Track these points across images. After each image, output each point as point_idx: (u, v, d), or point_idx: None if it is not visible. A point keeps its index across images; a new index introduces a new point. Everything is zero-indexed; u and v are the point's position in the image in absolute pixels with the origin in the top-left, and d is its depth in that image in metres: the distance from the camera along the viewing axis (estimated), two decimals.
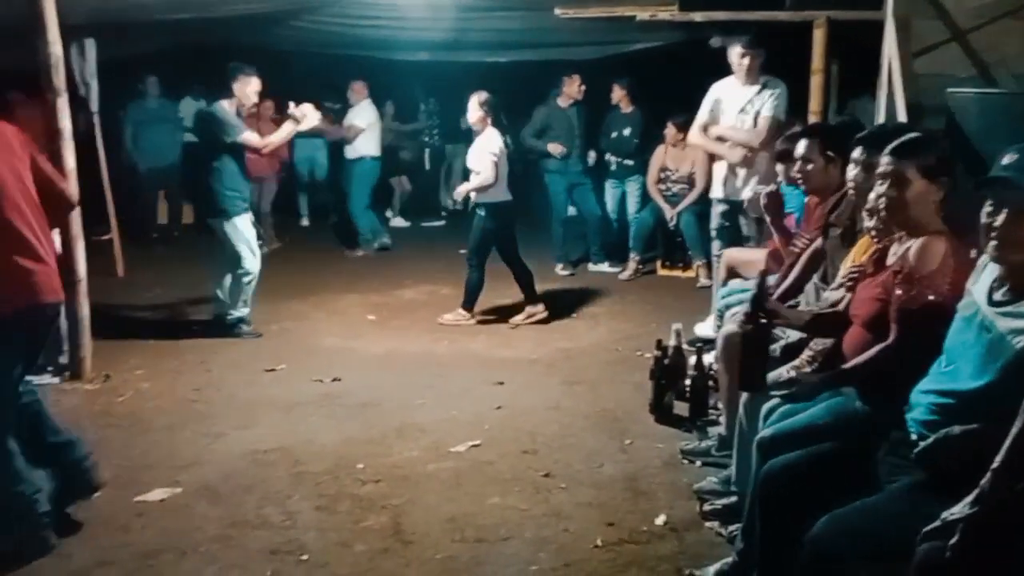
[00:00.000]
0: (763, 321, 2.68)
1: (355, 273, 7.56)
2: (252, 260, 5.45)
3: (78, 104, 5.56)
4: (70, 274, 4.53)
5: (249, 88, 5.43)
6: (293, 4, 6.58)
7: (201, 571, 2.89)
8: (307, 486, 3.51)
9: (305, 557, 2.97)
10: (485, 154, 5.70)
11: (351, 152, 8.29)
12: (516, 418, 4.24)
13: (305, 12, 6.84)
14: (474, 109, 5.76)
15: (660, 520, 3.19)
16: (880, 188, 2.47)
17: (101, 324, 5.08)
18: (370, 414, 4.31)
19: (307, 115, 5.62)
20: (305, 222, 9.82)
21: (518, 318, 6.00)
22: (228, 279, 5.53)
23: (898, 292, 2.38)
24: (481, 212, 5.90)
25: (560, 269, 7.51)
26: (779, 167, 4.26)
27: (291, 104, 5.68)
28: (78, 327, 4.66)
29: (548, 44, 8.23)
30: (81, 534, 3.12)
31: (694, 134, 5.61)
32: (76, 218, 4.54)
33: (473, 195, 5.89)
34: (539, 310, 6.03)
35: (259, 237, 7.13)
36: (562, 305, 6.44)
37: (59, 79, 4.40)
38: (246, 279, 5.46)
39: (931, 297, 2.30)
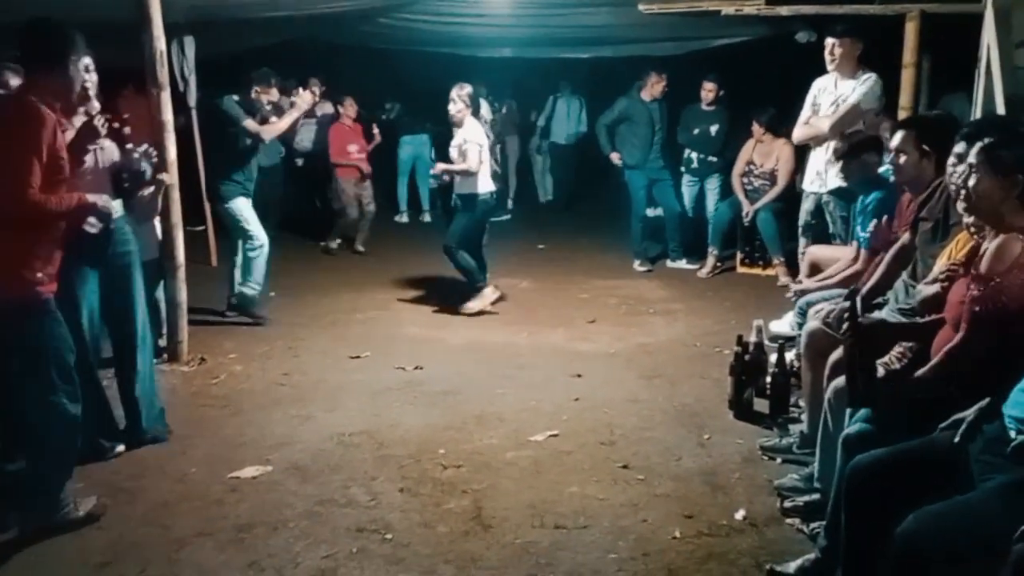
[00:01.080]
0: (858, 337, 2.59)
1: (437, 266, 7.68)
2: (259, 233, 5.72)
3: (177, 100, 5.81)
4: (170, 260, 4.77)
5: (266, 97, 5.86)
6: (382, 1, 6.73)
7: (292, 546, 3.01)
8: (391, 468, 3.62)
9: (389, 536, 3.06)
10: (471, 144, 5.90)
11: None
12: (594, 410, 4.27)
13: (393, 9, 6.99)
14: (457, 101, 5.95)
15: (739, 515, 3.19)
16: (969, 182, 2.43)
17: (196, 310, 5.32)
18: (451, 402, 4.41)
19: (304, 98, 6.02)
20: (404, 219, 9.92)
21: (470, 306, 6.08)
22: (239, 258, 5.83)
23: (971, 291, 2.33)
24: (476, 201, 6.06)
25: (638, 265, 7.50)
26: (838, 168, 4.23)
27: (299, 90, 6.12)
28: (176, 312, 4.87)
29: (630, 40, 8.21)
30: (180, 506, 3.29)
31: (797, 130, 5.46)
32: (176, 208, 4.76)
33: (439, 171, 6.19)
34: (488, 297, 6.17)
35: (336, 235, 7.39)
36: (640, 301, 6.44)
37: (163, 74, 4.61)
38: (253, 253, 5.71)
39: (1003, 298, 2.25)
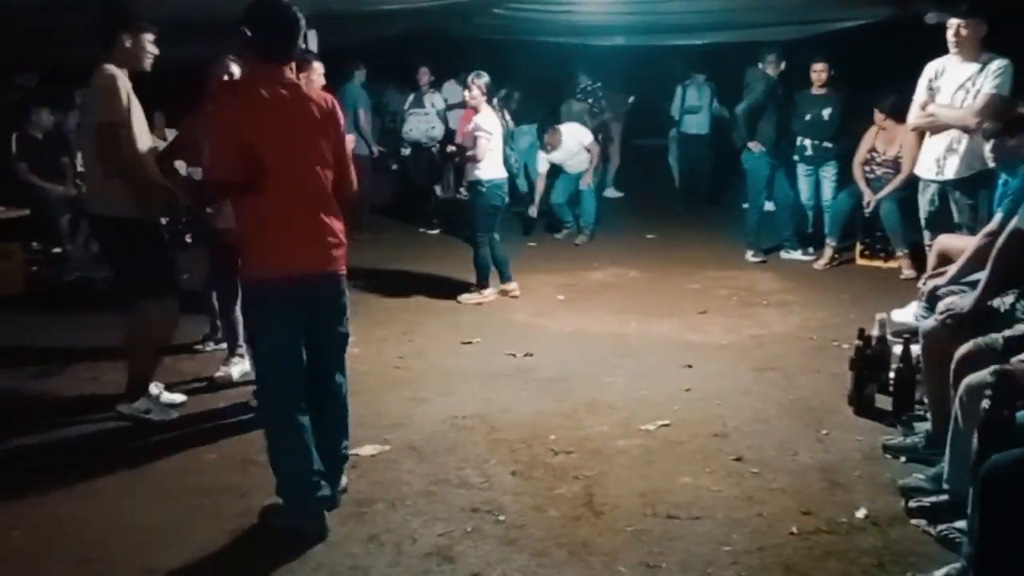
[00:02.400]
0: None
1: (546, 255, 7.73)
2: None
3: None
4: None
5: (316, 75, 5.69)
6: None
7: (409, 522, 3.10)
8: (503, 452, 3.68)
9: (503, 518, 3.12)
10: (481, 132, 6.01)
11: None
12: (706, 401, 4.22)
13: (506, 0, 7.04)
14: (473, 88, 6.05)
15: (860, 513, 3.10)
16: None
17: None
18: (561, 388, 4.44)
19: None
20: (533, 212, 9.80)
21: (467, 296, 6.20)
22: None
23: None
24: (481, 188, 6.12)
25: (751, 256, 7.33)
26: (988, 148, 3.98)
27: None
28: None
29: (747, 25, 8.01)
30: None
31: (913, 115, 5.24)
32: None
33: (472, 174, 6.19)
34: (487, 296, 6.22)
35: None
36: (753, 292, 6.31)
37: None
38: None
39: None
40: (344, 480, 3.30)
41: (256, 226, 2.98)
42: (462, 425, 3.98)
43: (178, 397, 4.27)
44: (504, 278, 6.33)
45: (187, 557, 2.91)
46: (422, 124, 9.12)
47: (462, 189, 10.29)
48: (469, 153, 6.12)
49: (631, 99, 10.59)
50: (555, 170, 8.25)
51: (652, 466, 3.53)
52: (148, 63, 3.91)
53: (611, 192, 10.60)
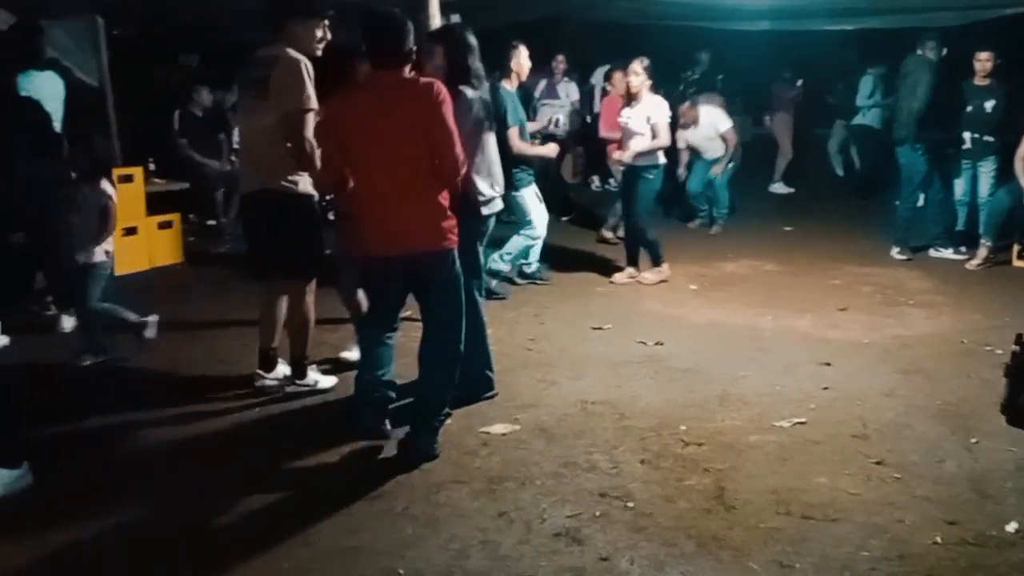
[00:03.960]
0: None
1: (678, 244, 7.61)
2: (540, 226, 5.87)
3: None
4: None
5: (523, 58, 5.53)
6: None
7: (538, 501, 3.16)
8: (632, 439, 3.68)
9: (631, 504, 3.13)
10: (660, 117, 6.01)
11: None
12: (845, 401, 4.08)
13: None
14: (639, 74, 6.01)
15: (1011, 527, 2.94)
16: None
17: None
18: (692, 380, 4.39)
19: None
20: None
21: (621, 276, 6.31)
22: (517, 239, 5.94)
23: None
24: (648, 175, 6.08)
25: (896, 253, 7.00)
26: None
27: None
28: None
29: (904, 10, 7.60)
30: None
31: None
32: None
33: (629, 158, 6.09)
34: (664, 272, 6.30)
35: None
36: (898, 291, 6.04)
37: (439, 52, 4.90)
38: (529, 242, 5.91)
39: None
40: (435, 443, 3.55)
41: (356, 209, 3.44)
42: (591, 410, 4.00)
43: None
44: (635, 264, 6.36)
45: (327, 517, 3.06)
46: (557, 114, 9.04)
47: (595, 178, 10.26)
48: (658, 144, 6.06)
49: (799, 83, 10.30)
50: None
51: (786, 464, 3.45)
52: (318, 49, 4.00)
53: (779, 187, 10.27)
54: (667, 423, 3.84)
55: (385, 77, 3.33)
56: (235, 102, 8.60)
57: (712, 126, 7.84)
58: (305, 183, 3.94)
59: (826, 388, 4.24)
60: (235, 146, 8.25)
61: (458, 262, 3.48)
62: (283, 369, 4.27)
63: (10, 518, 3.08)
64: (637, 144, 6.04)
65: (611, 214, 7.66)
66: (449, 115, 3.31)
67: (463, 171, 3.43)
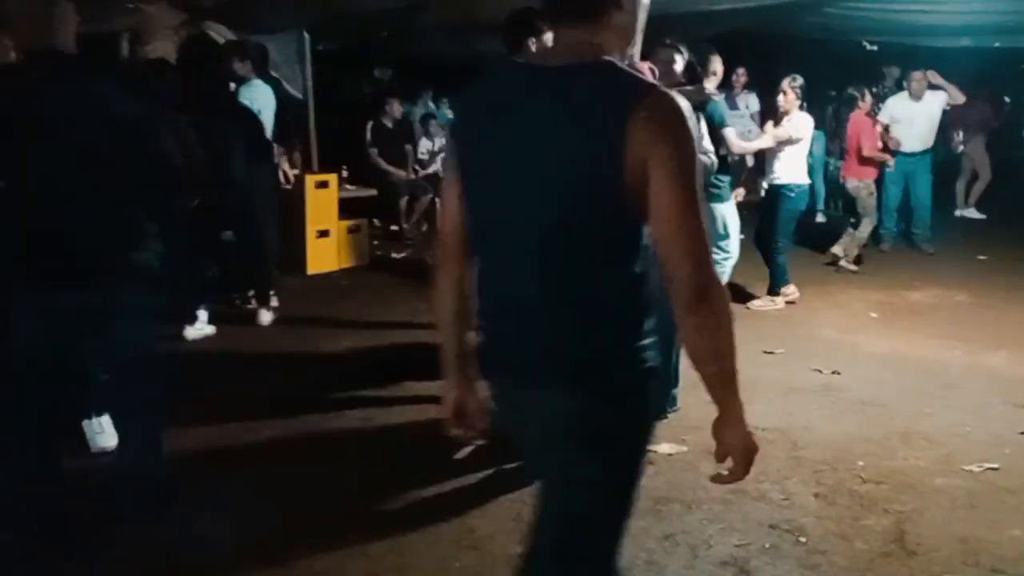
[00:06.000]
0: None
1: (861, 269, 7.30)
2: (735, 244, 5.67)
3: None
4: None
5: (718, 63, 5.39)
6: None
7: (705, 527, 3.14)
8: (805, 471, 3.59)
9: (803, 540, 3.05)
10: (797, 134, 5.89)
11: None
12: None
13: None
14: (789, 93, 5.90)
15: None
16: None
17: None
18: (871, 413, 4.21)
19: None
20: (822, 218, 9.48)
21: (759, 304, 6.12)
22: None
23: None
24: (790, 193, 5.96)
25: None
26: None
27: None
28: None
29: None
30: None
31: None
32: None
33: (775, 178, 5.98)
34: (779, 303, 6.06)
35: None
36: None
37: None
38: (720, 258, 5.72)
39: None
40: None
41: None
42: (762, 437, 3.82)
43: None
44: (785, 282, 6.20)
45: (493, 521, 3.17)
46: (737, 126, 8.89)
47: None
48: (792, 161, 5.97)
49: (1007, 100, 9.68)
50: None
51: (975, 511, 3.26)
52: None
53: (971, 212, 9.73)
54: (843, 457, 3.72)
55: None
56: (422, 115, 9.11)
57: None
58: None
59: (1022, 433, 3.96)
60: (420, 156, 8.69)
61: None
62: None
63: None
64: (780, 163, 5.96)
65: (845, 234, 7.41)
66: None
67: None
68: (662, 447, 3.78)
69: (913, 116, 7.57)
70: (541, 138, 1.59)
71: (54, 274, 2.80)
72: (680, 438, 3.89)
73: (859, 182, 7.22)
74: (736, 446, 1.74)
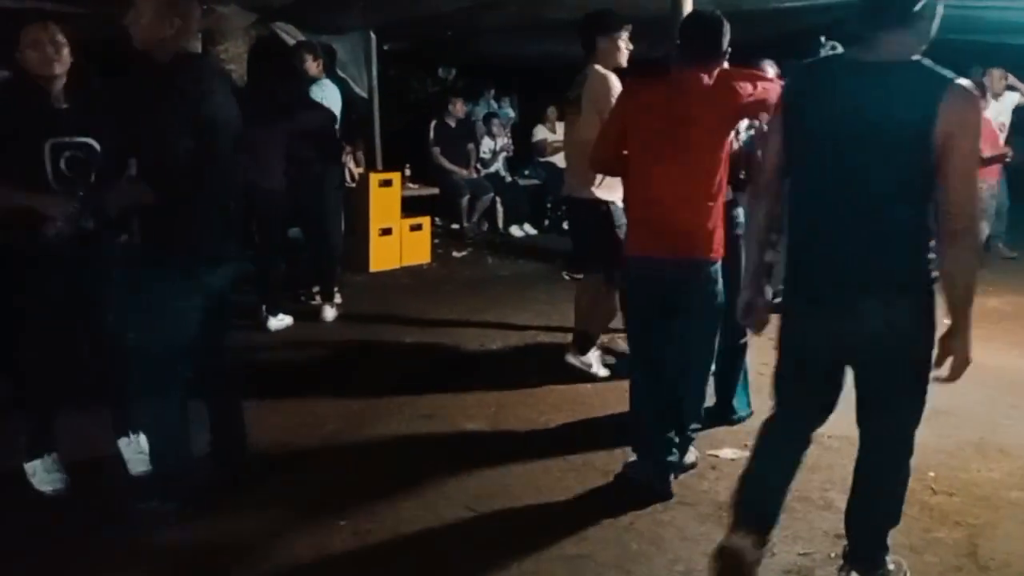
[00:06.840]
0: None
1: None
2: None
3: None
4: None
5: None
6: None
7: None
8: None
9: None
10: None
11: None
12: None
13: None
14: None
15: None
16: None
17: None
18: (943, 422, 4.07)
19: None
20: None
21: None
22: None
23: None
24: None
25: None
26: None
27: None
28: None
29: None
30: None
31: None
32: None
33: None
34: None
35: None
36: None
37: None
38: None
39: None
40: (691, 456, 3.54)
41: (628, 205, 3.53)
42: (828, 444, 3.82)
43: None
44: None
45: (554, 521, 3.17)
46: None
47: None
48: None
49: None
50: None
51: None
52: (623, 60, 4.35)
53: None
54: (914, 467, 3.57)
55: (694, 78, 3.20)
56: (485, 114, 9.15)
57: None
58: (606, 191, 4.23)
59: None
60: (482, 155, 8.73)
61: (720, 279, 3.34)
62: (594, 356, 4.63)
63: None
64: None
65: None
66: None
67: None
68: (724, 452, 3.74)
69: (991, 115, 7.31)
70: (869, 112, 2.23)
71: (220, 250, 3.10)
72: (743, 443, 3.80)
73: (981, 182, 6.99)
74: (958, 353, 2.45)
